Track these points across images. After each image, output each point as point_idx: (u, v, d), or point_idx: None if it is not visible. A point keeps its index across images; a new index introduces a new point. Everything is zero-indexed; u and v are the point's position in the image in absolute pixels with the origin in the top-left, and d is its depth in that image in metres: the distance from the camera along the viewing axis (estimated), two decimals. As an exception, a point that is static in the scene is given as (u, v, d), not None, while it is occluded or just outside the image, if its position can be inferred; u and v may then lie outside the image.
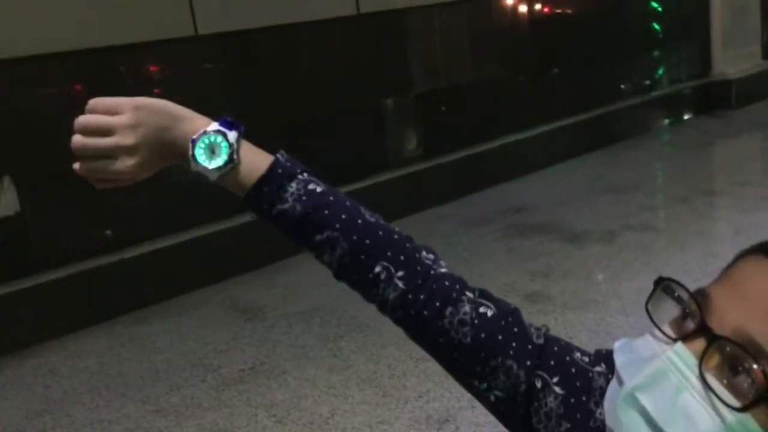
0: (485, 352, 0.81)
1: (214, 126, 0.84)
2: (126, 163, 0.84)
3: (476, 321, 0.81)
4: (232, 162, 0.83)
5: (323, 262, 0.85)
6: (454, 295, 0.82)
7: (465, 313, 0.81)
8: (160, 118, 0.84)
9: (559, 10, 5.70)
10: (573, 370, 0.81)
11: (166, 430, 2.65)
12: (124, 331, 3.46)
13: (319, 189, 0.84)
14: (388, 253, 0.82)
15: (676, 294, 0.69)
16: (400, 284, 0.82)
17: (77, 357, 3.25)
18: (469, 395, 2.73)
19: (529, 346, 0.81)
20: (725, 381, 0.63)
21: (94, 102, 0.86)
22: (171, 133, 0.84)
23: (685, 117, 6.61)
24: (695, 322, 0.65)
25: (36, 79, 3.53)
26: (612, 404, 0.68)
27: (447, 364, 0.85)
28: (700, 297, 0.67)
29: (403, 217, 3.99)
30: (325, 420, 2.60)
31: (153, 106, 0.85)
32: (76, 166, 0.86)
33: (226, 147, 0.83)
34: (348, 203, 0.85)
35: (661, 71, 6.53)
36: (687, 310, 0.67)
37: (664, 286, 0.70)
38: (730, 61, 6.80)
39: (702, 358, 0.63)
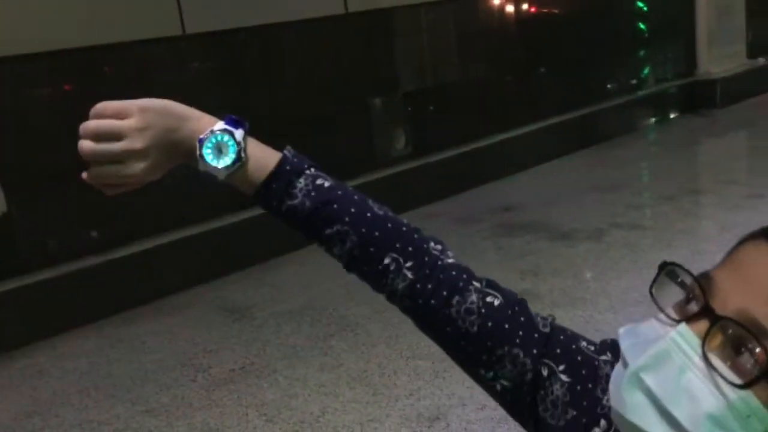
0: (492, 340, 0.82)
1: (221, 125, 0.84)
2: (136, 166, 0.83)
3: (483, 310, 0.83)
4: (239, 160, 0.84)
5: (333, 255, 0.87)
6: (461, 284, 0.84)
7: (472, 303, 0.83)
8: (167, 120, 0.84)
9: (545, 10, 5.73)
10: (579, 358, 0.82)
11: (157, 430, 2.65)
12: (113, 331, 3.45)
13: (327, 184, 0.86)
14: (397, 245, 0.84)
15: (679, 279, 0.70)
16: (409, 275, 0.83)
17: (66, 358, 3.24)
18: (459, 393, 2.73)
19: (536, 335, 0.83)
20: (728, 362, 0.64)
21: (102, 106, 0.84)
22: (178, 133, 0.84)
23: (671, 116, 6.66)
24: (699, 305, 0.67)
25: (23, 79, 3.51)
26: (617, 386, 0.69)
27: (454, 352, 0.86)
28: (704, 280, 0.68)
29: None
30: (315, 418, 2.61)
31: (159, 108, 0.84)
32: (84, 175, 0.85)
33: (233, 146, 0.83)
34: (356, 197, 0.86)
35: (647, 70, 6.58)
36: (690, 294, 0.69)
37: (667, 270, 0.71)
38: (716, 61, 6.85)
39: (705, 339, 0.64)
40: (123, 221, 3.71)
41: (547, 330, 0.84)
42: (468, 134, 5.17)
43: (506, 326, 0.82)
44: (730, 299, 0.66)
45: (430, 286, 0.83)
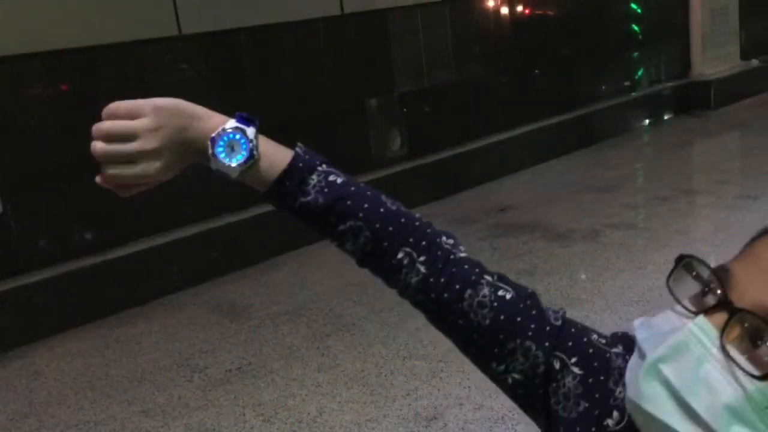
0: (504, 333, 0.82)
1: (232, 123, 0.84)
2: (151, 166, 0.83)
3: (495, 303, 0.83)
4: (252, 158, 0.84)
5: (345, 251, 0.87)
6: (474, 278, 0.84)
7: (484, 296, 0.83)
8: (179, 119, 0.84)
9: (540, 12, 5.74)
10: (591, 350, 0.83)
11: (153, 431, 2.65)
12: (109, 332, 3.44)
13: (339, 180, 0.86)
14: (410, 240, 0.85)
15: (695, 272, 0.71)
16: (422, 269, 0.84)
17: (62, 358, 3.23)
18: (456, 393, 2.73)
19: (547, 328, 0.83)
20: (746, 353, 0.65)
21: (114, 106, 0.84)
22: (189, 132, 0.84)
23: (666, 117, 6.68)
24: (716, 297, 0.67)
25: (19, 79, 3.50)
26: (634, 376, 0.69)
27: (466, 346, 0.86)
28: (722, 273, 0.69)
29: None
30: (313, 419, 2.60)
31: (171, 107, 0.84)
32: (98, 178, 0.85)
33: (245, 143, 0.83)
34: (369, 192, 0.87)
35: (641, 72, 6.60)
36: (707, 287, 0.69)
37: (685, 263, 0.71)
38: (709, 62, 6.89)
39: (723, 331, 0.65)
40: (119, 221, 3.70)
41: (559, 323, 0.84)
42: (464, 135, 5.19)
43: (518, 319, 0.83)
44: (747, 292, 0.67)
45: (442, 279, 0.84)
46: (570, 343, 0.83)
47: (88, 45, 3.60)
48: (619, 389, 0.79)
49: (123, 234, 3.75)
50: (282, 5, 4.25)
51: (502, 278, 0.86)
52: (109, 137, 0.83)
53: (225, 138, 0.83)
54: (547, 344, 0.82)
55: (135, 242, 3.76)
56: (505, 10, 5.45)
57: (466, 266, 0.85)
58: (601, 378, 0.81)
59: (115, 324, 3.51)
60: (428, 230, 0.87)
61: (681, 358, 0.66)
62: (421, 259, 0.84)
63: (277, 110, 4.23)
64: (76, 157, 3.56)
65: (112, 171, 0.84)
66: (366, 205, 0.85)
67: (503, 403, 2.51)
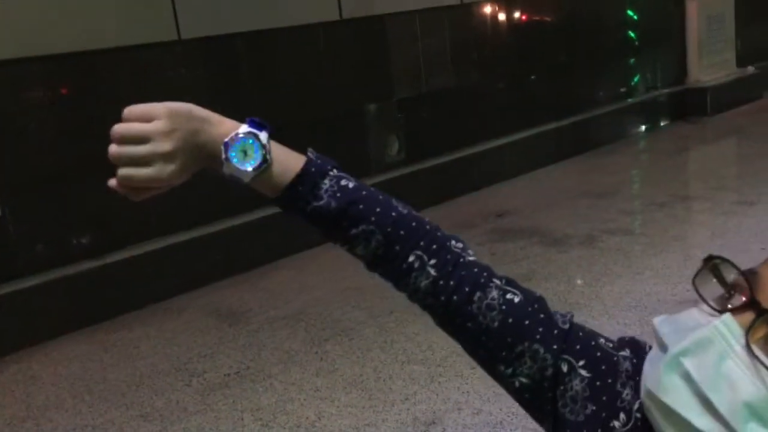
0: (512, 336, 0.83)
1: (245, 128, 0.85)
2: (165, 169, 0.83)
3: (504, 306, 0.84)
4: (265, 162, 0.84)
5: (356, 255, 0.88)
6: (483, 281, 0.85)
7: (493, 299, 0.84)
8: (192, 123, 0.84)
9: (538, 18, 5.77)
10: (598, 354, 0.83)
11: (152, 435, 2.65)
12: (107, 336, 3.44)
13: (351, 185, 0.87)
14: (421, 243, 0.86)
15: (721, 274, 0.72)
16: (432, 272, 0.85)
17: (60, 363, 3.23)
18: (455, 398, 2.73)
19: (555, 331, 0.84)
20: None
21: (128, 110, 0.85)
22: (201, 136, 0.85)
23: (662, 123, 6.71)
24: (744, 298, 0.69)
25: (18, 82, 3.50)
26: (654, 367, 0.70)
27: (474, 349, 0.86)
28: (750, 275, 0.70)
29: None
30: (312, 423, 2.61)
31: (185, 111, 0.85)
32: (113, 182, 0.85)
33: (259, 148, 0.84)
34: (381, 197, 0.88)
35: (638, 78, 6.63)
36: (732, 289, 0.71)
37: (711, 265, 0.73)
38: (706, 69, 6.92)
39: (749, 330, 0.66)
40: (117, 225, 3.70)
41: (567, 326, 0.85)
42: (461, 140, 5.20)
43: (526, 322, 0.84)
44: None
45: (452, 282, 0.84)
46: (578, 346, 0.84)
47: (87, 49, 3.61)
48: (626, 391, 0.80)
49: (121, 238, 3.75)
50: (281, 10, 4.27)
51: (510, 282, 0.87)
52: (123, 139, 0.83)
53: (238, 143, 0.84)
54: (555, 347, 0.83)
55: (133, 246, 3.76)
56: (502, 17, 5.48)
57: (475, 269, 0.86)
58: (609, 381, 0.82)
59: (113, 328, 3.51)
60: (438, 234, 0.88)
61: (703, 353, 0.67)
62: (432, 262, 0.85)
63: (275, 115, 4.22)
64: (75, 161, 3.59)
65: (124, 172, 0.84)
66: (378, 209, 0.86)
67: (501, 408, 2.51)
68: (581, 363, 0.83)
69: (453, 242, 0.88)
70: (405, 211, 0.88)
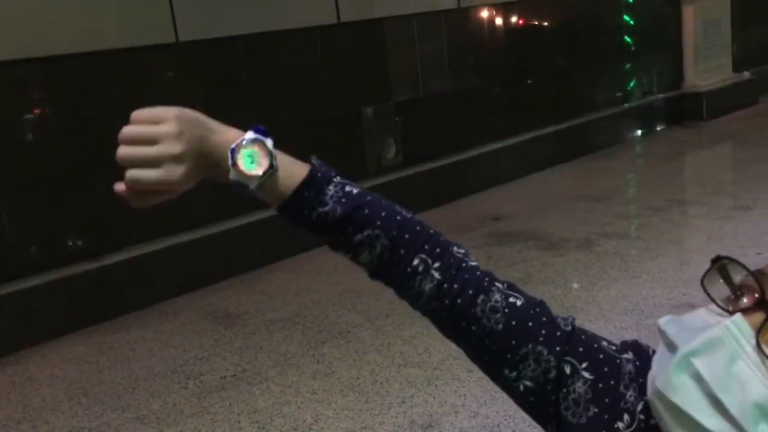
0: (516, 339, 0.84)
1: (251, 135, 0.85)
2: (176, 171, 0.83)
3: (507, 309, 0.85)
4: (272, 168, 0.85)
5: (359, 262, 0.88)
6: (485, 284, 0.86)
7: (496, 301, 0.85)
8: (200, 129, 0.85)
9: (535, 22, 5.79)
10: (601, 356, 0.84)
11: (148, 437, 2.64)
12: (104, 338, 3.44)
13: (355, 191, 0.88)
14: (426, 246, 0.86)
15: (729, 274, 0.73)
16: (437, 275, 0.85)
17: (56, 364, 3.22)
18: (452, 401, 2.73)
19: (558, 333, 0.84)
20: None
21: (137, 113, 0.85)
22: (208, 143, 0.85)
23: (658, 128, 6.73)
24: (754, 298, 0.69)
25: (15, 84, 3.50)
26: (662, 368, 0.70)
27: (478, 353, 0.87)
28: (760, 275, 0.71)
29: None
30: (308, 426, 2.61)
31: (192, 117, 0.85)
32: (120, 186, 0.84)
33: (266, 154, 0.84)
34: (384, 202, 0.89)
35: (634, 83, 6.65)
36: (740, 290, 0.71)
37: (719, 265, 0.73)
38: (702, 74, 6.94)
39: (760, 330, 0.67)
40: (114, 227, 3.70)
41: (569, 329, 0.85)
42: (458, 144, 5.21)
43: (530, 324, 0.84)
44: None
45: (456, 285, 0.85)
46: (581, 349, 0.84)
47: (85, 51, 3.61)
48: (629, 393, 0.81)
49: (118, 240, 3.75)
50: (279, 13, 4.27)
51: (511, 286, 0.88)
52: (132, 141, 0.83)
53: (245, 148, 0.84)
54: (558, 349, 0.83)
55: (130, 248, 3.76)
56: (500, 21, 5.49)
57: (478, 273, 0.87)
58: (612, 383, 0.82)
59: (110, 330, 3.50)
60: (441, 238, 0.89)
61: (714, 354, 0.67)
62: (436, 265, 0.86)
63: (272, 118, 4.24)
64: (73, 162, 3.59)
65: (133, 173, 0.83)
66: (383, 214, 0.87)
67: (498, 411, 2.52)
68: (584, 365, 0.83)
69: (455, 248, 0.89)
70: (409, 216, 0.89)
